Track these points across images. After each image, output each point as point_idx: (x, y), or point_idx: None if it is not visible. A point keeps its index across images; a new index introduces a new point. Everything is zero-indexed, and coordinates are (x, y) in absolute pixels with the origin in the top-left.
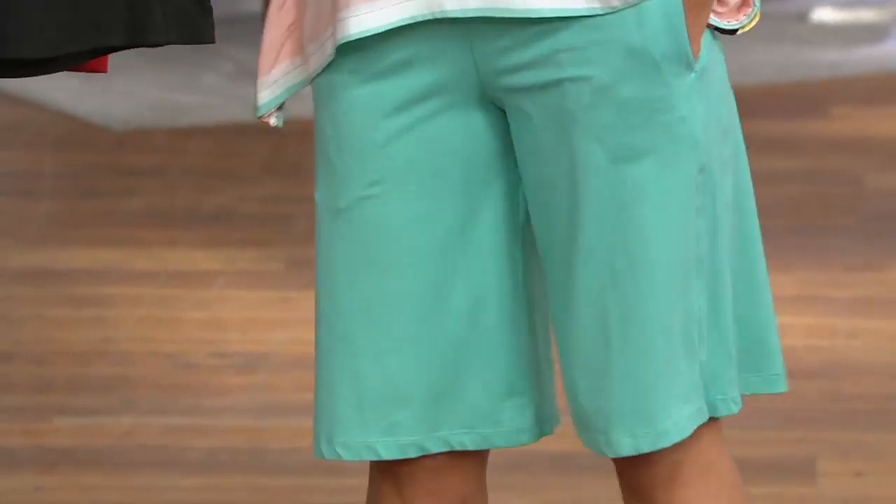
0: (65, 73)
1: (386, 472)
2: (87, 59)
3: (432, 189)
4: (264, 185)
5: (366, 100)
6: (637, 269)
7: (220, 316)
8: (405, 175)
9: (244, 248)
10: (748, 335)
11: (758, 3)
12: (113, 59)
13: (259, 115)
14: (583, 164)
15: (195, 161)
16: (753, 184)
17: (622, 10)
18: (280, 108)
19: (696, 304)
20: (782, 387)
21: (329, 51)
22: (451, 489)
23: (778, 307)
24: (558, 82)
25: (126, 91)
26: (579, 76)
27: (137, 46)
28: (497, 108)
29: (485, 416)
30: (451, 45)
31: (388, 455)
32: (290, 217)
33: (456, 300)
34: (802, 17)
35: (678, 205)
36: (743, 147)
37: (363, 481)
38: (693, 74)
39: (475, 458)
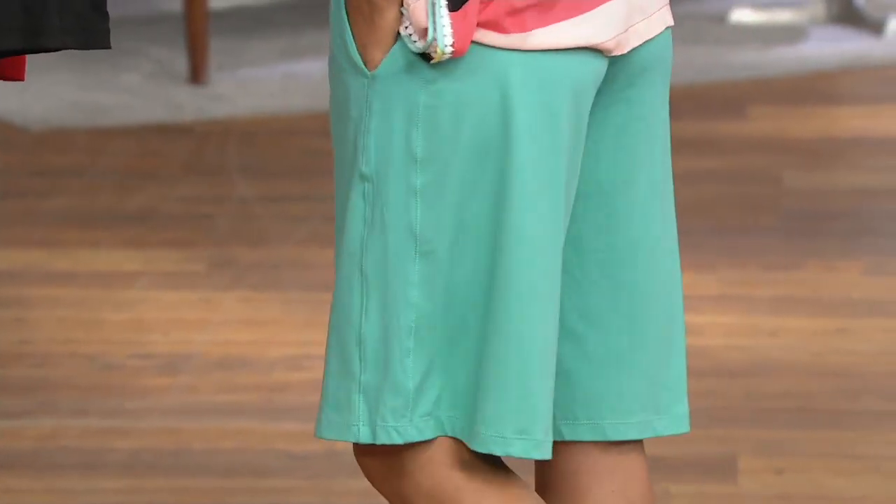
0: None
1: None
2: None
3: None
4: (185, 186)
5: None
6: (336, 259)
7: (142, 317)
8: None
9: (165, 249)
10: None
11: (438, 38)
12: (30, 59)
13: None
14: None
15: (115, 161)
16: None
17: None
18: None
19: (355, 319)
20: (477, 445)
21: None
22: None
23: (699, 307)
24: None
25: (44, 91)
26: None
27: (34, 51)
28: None
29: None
30: None
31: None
32: (212, 217)
33: None
34: (721, 18)
35: (348, 205)
36: (504, 197)
37: (285, 482)
38: (364, 80)
39: None
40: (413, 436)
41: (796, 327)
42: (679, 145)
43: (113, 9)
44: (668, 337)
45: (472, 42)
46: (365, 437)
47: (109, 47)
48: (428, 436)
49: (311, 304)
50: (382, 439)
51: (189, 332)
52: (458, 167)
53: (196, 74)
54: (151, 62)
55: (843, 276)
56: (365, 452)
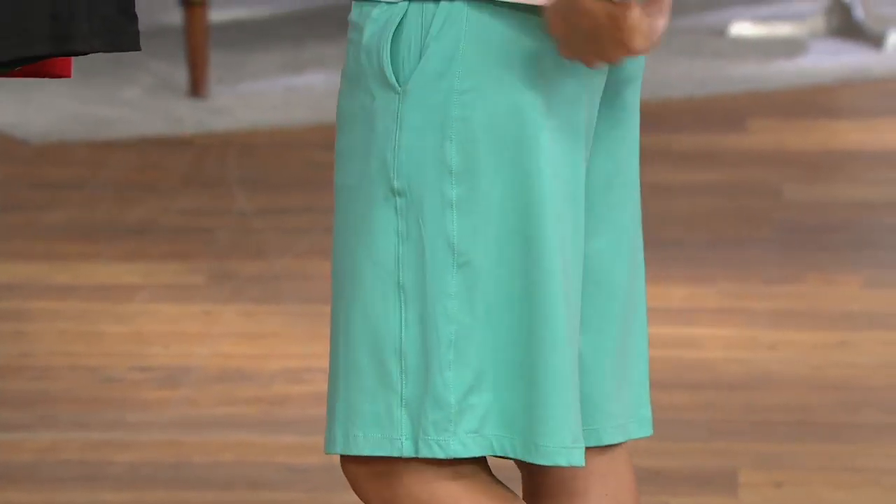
0: None
1: None
2: (9, 68)
3: None
4: (185, 198)
5: None
6: (342, 271)
7: (142, 330)
8: None
9: (165, 262)
10: (523, 397)
11: None
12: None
13: None
14: None
15: (116, 174)
16: (671, 196)
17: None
18: None
19: (393, 332)
20: (540, 458)
21: None
22: None
23: (698, 320)
24: None
25: (44, 104)
26: None
27: (63, 55)
28: None
29: None
30: None
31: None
32: (212, 230)
33: None
34: (720, 31)
35: (373, 218)
36: (535, 213)
37: (285, 495)
38: (394, 95)
39: None
40: (457, 451)
41: (796, 340)
42: (679, 158)
43: None
44: (641, 340)
45: None
46: (408, 451)
47: (139, 49)
48: (474, 452)
49: (311, 316)
50: (424, 453)
51: (189, 345)
52: (492, 177)
53: (196, 88)
54: (151, 75)
55: (842, 289)
56: (355, 460)
